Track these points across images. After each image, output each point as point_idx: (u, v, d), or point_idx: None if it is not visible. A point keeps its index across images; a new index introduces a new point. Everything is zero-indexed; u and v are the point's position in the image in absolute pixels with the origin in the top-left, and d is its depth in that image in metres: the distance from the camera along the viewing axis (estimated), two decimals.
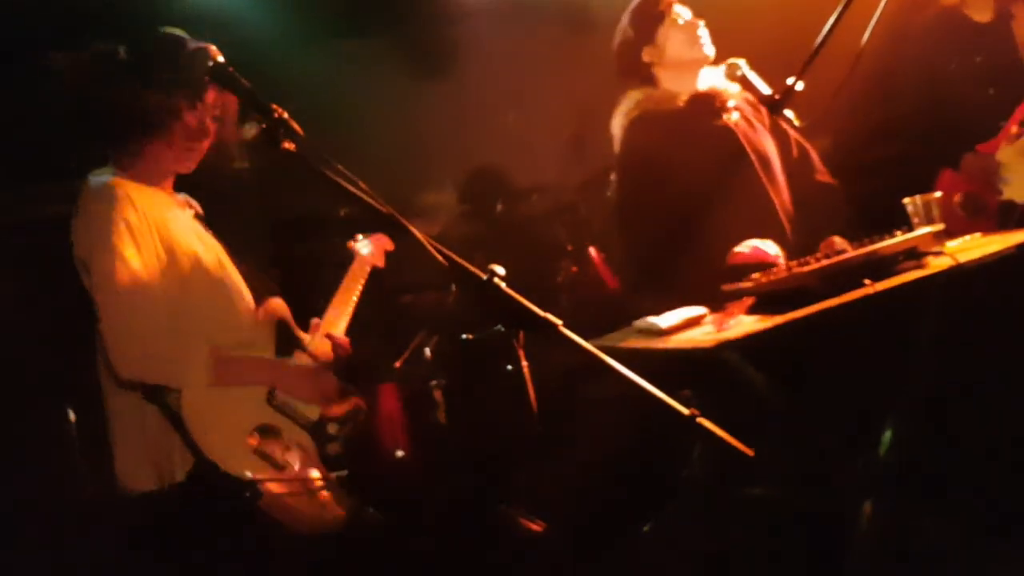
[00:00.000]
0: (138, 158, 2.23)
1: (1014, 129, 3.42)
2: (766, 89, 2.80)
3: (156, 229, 2.16)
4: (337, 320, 2.62)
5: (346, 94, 4.29)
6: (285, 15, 4.04)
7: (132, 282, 2.05)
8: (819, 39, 2.63)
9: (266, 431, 2.16)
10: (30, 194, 3.72)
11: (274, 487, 2.09)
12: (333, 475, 2.27)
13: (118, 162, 2.22)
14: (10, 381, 3.52)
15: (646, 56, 2.97)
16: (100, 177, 2.18)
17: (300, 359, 2.39)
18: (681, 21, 2.94)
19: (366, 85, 4.50)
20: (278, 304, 2.44)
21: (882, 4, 2.66)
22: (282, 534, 2.12)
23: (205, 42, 2.17)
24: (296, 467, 2.18)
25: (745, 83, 2.83)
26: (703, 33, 2.94)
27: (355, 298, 2.75)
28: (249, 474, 2.07)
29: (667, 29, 2.94)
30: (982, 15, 3.50)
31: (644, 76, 3.00)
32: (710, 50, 2.93)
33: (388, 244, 3.01)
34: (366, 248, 2.96)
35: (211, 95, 2.23)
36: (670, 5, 2.97)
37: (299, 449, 2.22)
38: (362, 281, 2.83)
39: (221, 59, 2.03)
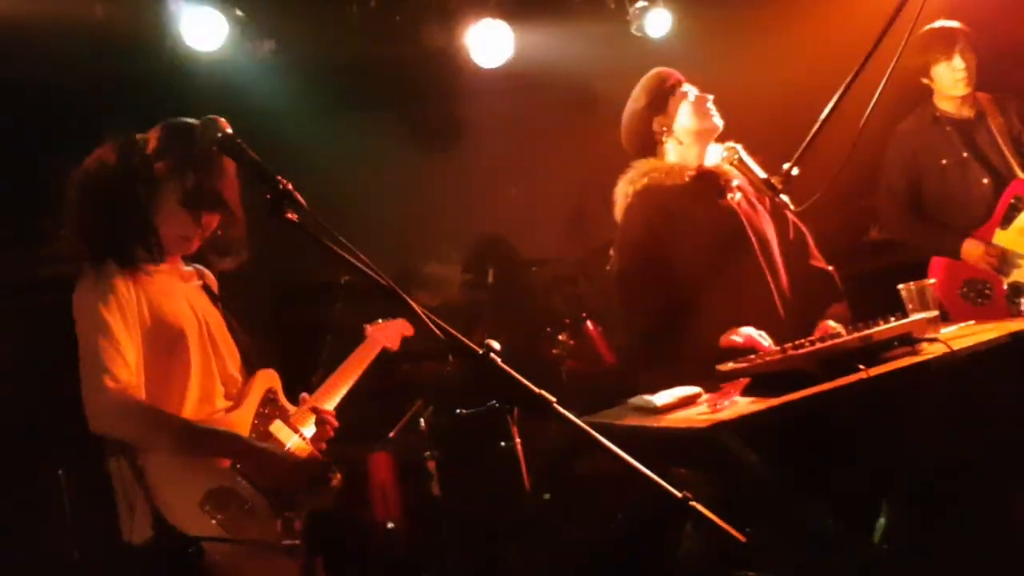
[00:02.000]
0: (142, 241, 2.31)
1: (1003, 212, 3.53)
2: (762, 174, 2.84)
3: (144, 301, 2.27)
4: (330, 395, 2.64)
5: (353, 166, 4.36)
6: (293, 88, 4.13)
7: (111, 346, 2.16)
8: (815, 127, 2.69)
9: (221, 493, 2.19)
10: (39, 255, 3.76)
11: (223, 549, 2.11)
12: (286, 543, 2.24)
13: (124, 249, 2.29)
14: (4, 438, 3.52)
15: (656, 125, 3.00)
16: (97, 266, 2.26)
17: (278, 431, 2.42)
18: (691, 96, 2.99)
19: (373, 157, 4.57)
20: (267, 375, 2.51)
21: (878, 92, 2.73)
22: None
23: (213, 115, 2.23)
24: (250, 531, 2.19)
25: (742, 167, 2.86)
26: (712, 106, 2.99)
27: (356, 377, 2.76)
28: (196, 531, 2.09)
29: (678, 100, 2.98)
30: (965, 113, 3.68)
31: (652, 147, 3.02)
32: (719, 121, 2.98)
33: (408, 329, 3.05)
34: (383, 331, 2.99)
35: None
36: (680, 82, 3.03)
37: (255, 514, 2.24)
38: (367, 362, 2.85)
39: (229, 130, 2.08)
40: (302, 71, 4.19)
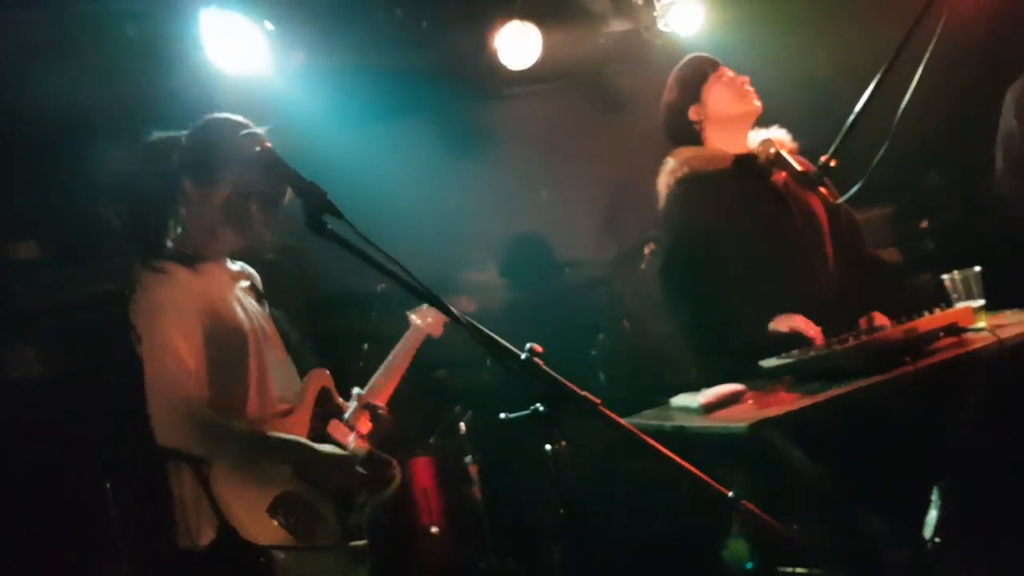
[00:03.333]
0: (188, 240, 2.32)
1: None
2: (799, 167, 2.80)
3: (202, 303, 2.26)
4: (382, 390, 2.63)
5: (385, 174, 4.37)
6: (324, 98, 4.15)
7: (175, 360, 2.15)
8: (852, 117, 2.65)
9: (289, 499, 2.19)
10: (78, 272, 3.82)
11: (291, 556, 2.12)
12: (352, 544, 2.28)
13: (169, 247, 2.30)
14: (51, 454, 3.57)
15: (693, 115, 2.96)
16: (153, 261, 2.26)
17: (335, 429, 2.43)
18: (725, 80, 2.94)
19: (404, 165, 4.59)
20: (319, 374, 2.50)
21: (916, 79, 2.68)
22: None
23: (253, 127, 2.26)
24: (316, 535, 2.21)
25: (779, 161, 2.83)
26: (750, 89, 2.94)
27: (404, 368, 2.76)
28: (266, 540, 2.11)
29: (711, 86, 2.94)
30: None
31: (692, 135, 2.98)
32: (758, 103, 2.93)
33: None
34: (424, 318, 2.97)
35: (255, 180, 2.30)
36: (714, 66, 2.98)
37: (321, 518, 2.24)
38: (414, 351, 2.84)
39: (268, 144, 2.10)
40: (333, 81, 4.21)
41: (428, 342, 3.16)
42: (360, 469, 2.37)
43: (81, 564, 3.57)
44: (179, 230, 2.29)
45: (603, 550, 3.67)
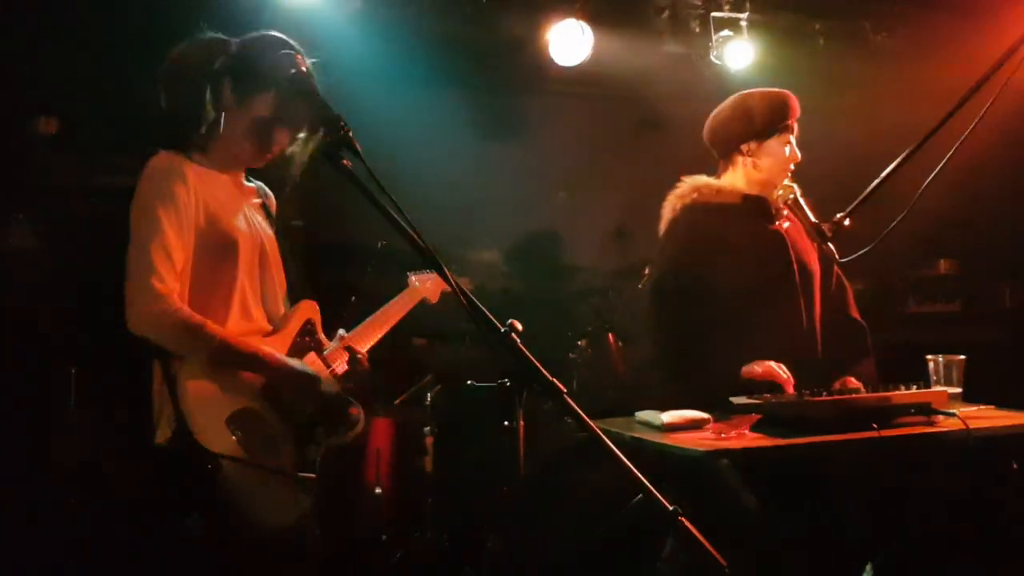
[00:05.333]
0: (212, 142, 2.31)
1: None
2: (813, 218, 2.82)
3: (203, 205, 2.25)
4: (365, 338, 2.64)
5: (409, 137, 4.38)
6: (370, 48, 4.17)
7: (163, 250, 2.14)
8: (876, 181, 2.67)
9: (249, 416, 2.19)
10: (99, 160, 3.83)
11: (239, 469, 2.12)
12: (302, 475, 2.26)
13: (193, 142, 2.30)
14: (24, 338, 3.59)
15: (745, 147, 2.94)
16: (165, 153, 2.27)
17: (311, 362, 2.42)
18: (788, 149, 2.93)
19: (431, 133, 4.59)
20: (309, 305, 2.49)
21: (943, 163, 2.70)
22: (235, 518, 2.14)
23: (299, 50, 2.26)
24: (269, 458, 2.20)
25: (795, 207, 2.85)
26: (792, 168, 2.95)
27: (391, 324, 2.76)
28: (218, 449, 2.11)
29: (779, 141, 2.92)
30: None
31: (725, 156, 2.99)
32: (787, 183, 2.94)
33: (446, 285, 3.03)
34: (424, 282, 2.98)
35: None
36: (796, 121, 2.97)
37: (277, 442, 2.24)
38: (406, 310, 2.85)
39: (304, 68, 2.11)
40: (384, 34, 4.23)
41: (415, 310, 3.18)
42: (326, 391, 2.37)
43: (35, 444, 3.58)
44: (204, 132, 2.27)
45: (537, 545, 3.69)
